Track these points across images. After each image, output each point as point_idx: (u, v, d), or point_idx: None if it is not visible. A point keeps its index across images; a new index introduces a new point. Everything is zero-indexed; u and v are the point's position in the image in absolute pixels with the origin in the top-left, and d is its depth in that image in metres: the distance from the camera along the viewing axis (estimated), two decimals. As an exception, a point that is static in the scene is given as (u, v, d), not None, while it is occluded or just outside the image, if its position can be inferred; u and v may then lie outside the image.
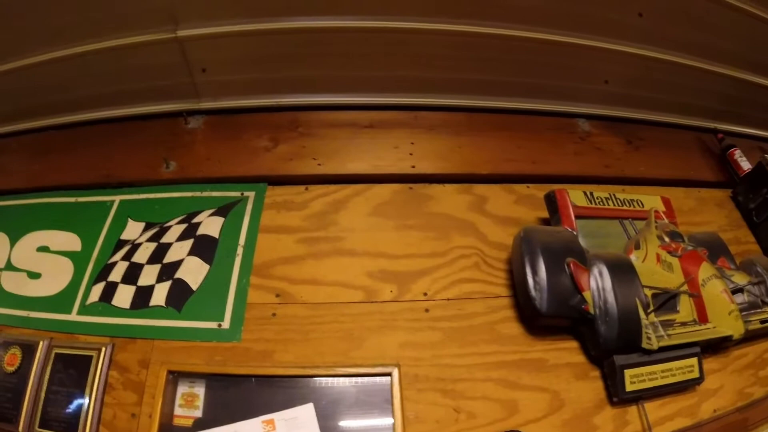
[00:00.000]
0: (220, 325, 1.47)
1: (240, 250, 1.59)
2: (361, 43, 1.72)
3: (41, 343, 1.47)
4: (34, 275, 1.64)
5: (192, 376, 1.40)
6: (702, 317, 1.45)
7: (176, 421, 1.35)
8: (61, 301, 1.57)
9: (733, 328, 1.41)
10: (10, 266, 1.68)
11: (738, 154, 1.99)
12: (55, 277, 1.63)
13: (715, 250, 1.64)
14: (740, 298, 1.53)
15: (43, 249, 1.69)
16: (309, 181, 1.73)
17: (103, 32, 1.67)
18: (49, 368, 1.44)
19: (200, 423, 1.33)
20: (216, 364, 1.41)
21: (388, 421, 1.33)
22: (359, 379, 1.39)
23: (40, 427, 1.37)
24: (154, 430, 1.30)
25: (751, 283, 1.57)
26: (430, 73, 1.83)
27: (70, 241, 1.69)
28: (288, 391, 1.37)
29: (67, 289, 1.60)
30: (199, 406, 1.36)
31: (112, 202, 1.76)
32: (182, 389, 1.39)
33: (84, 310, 1.55)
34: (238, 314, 1.48)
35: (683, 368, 1.42)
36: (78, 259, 1.65)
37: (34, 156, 1.94)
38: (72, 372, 1.43)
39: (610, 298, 1.39)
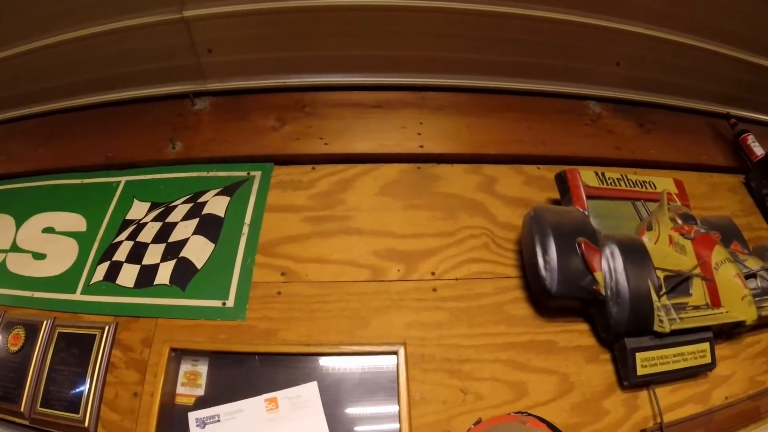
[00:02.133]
0: (224, 304, 1.45)
1: (245, 229, 1.58)
2: (367, 23, 1.70)
3: (45, 322, 1.46)
4: (39, 256, 1.64)
5: (195, 354, 1.39)
6: (715, 301, 1.42)
7: (178, 400, 1.34)
8: (66, 280, 1.56)
9: (746, 313, 1.39)
10: (15, 248, 1.67)
11: (751, 140, 1.95)
12: (60, 257, 1.62)
13: (728, 234, 1.61)
14: (753, 283, 1.49)
15: (49, 230, 1.69)
16: (316, 161, 1.72)
17: (109, 14, 1.67)
18: (52, 348, 1.43)
19: (202, 401, 1.32)
20: (219, 342, 1.39)
21: (393, 401, 1.31)
22: (364, 358, 1.37)
23: (41, 406, 1.36)
24: (156, 409, 1.29)
25: (764, 269, 1.54)
26: (439, 53, 1.81)
27: (76, 222, 1.69)
28: (292, 369, 1.35)
29: (72, 269, 1.59)
30: (201, 385, 1.35)
31: (118, 183, 1.75)
32: (185, 367, 1.38)
33: (88, 289, 1.54)
34: (242, 293, 1.46)
35: (695, 353, 1.39)
36: (83, 240, 1.64)
37: (41, 139, 1.93)
38: (75, 351, 1.42)
39: (622, 279, 1.36)
